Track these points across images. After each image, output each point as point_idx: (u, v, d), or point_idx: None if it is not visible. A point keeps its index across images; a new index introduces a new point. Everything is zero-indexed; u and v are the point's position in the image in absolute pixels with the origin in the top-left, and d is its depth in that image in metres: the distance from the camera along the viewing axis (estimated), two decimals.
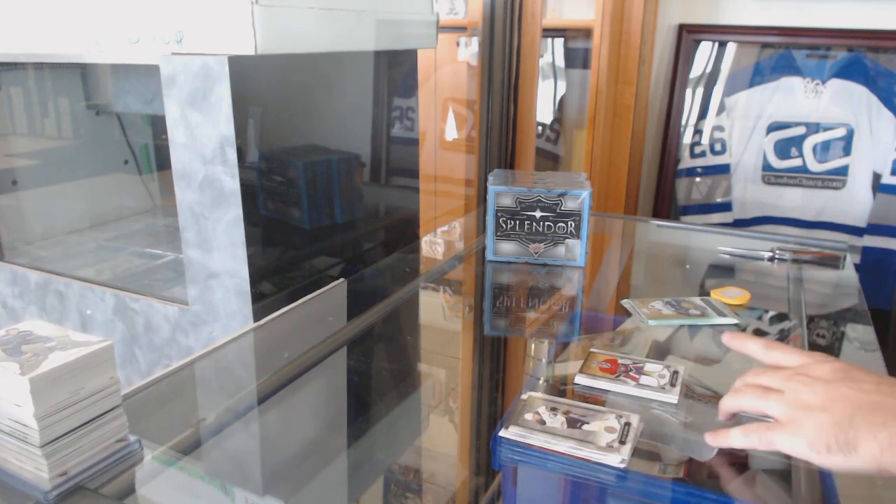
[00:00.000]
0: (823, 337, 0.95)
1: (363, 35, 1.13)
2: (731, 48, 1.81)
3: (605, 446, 0.62)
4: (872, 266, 1.65)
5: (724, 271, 1.26)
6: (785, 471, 0.62)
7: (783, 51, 1.74)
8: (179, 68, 0.95)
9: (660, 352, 0.87)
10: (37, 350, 0.57)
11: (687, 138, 1.87)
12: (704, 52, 1.83)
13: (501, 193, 1.13)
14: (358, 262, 1.26)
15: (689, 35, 1.83)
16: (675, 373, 0.77)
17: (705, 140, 1.84)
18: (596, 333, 0.95)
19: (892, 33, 1.64)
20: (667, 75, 1.88)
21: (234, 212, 0.97)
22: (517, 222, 1.14)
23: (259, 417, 0.76)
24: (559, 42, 1.98)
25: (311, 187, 1.13)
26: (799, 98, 1.73)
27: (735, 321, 0.94)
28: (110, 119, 1.55)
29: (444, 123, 2.03)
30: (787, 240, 1.34)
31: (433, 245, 1.35)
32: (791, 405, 0.57)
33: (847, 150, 1.70)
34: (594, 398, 0.74)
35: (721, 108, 1.82)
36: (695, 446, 0.65)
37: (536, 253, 1.15)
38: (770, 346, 0.66)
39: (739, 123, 1.80)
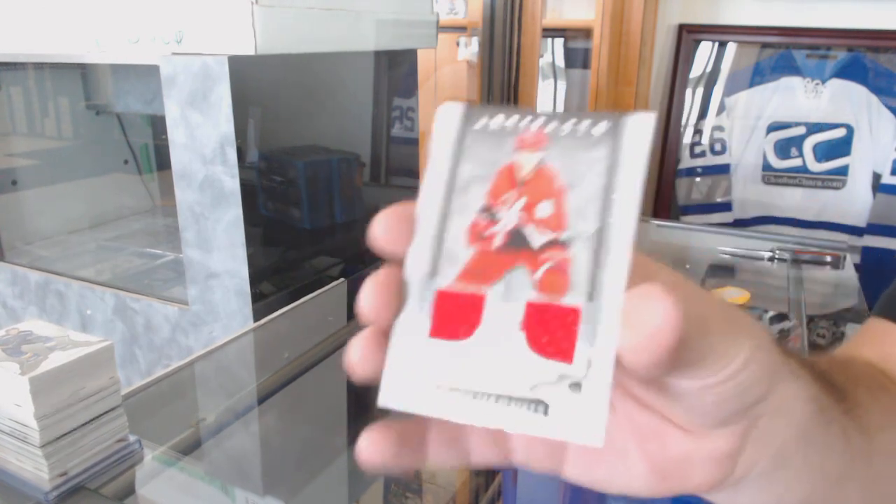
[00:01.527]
0: (823, 337, 0.95)
1: (363, 35, 1.13)
2: (731, 48, 1.81)
3: None
4: (872, 266, 1.65)
5: (724, 271, 1.26)
6: None
7: (783, 51, 1.74)
8: (179, 68, 0.95)
9: None
10: (37, 350, 0.57)
11: (687, 138, 1.87)
12: (704, 52, 1.83)
13: None
14: (358, 262, 1.26)
15: (689, 35, 1.83)
16: None
17: (705, 140, 1.84)
18: None
19: (892, 33, 1.64)
20: (667, 75, 1.88)
21: (234, 212, 0.97)
22: None
23: (259, 417, 0.76)
24: (559, 42, 1.98)
25: (311, 187, 1.13)
26: (799, 98, 1.73)
27: None
28: (110, 119, 1.55)
29: None
30: (787, 240, 1.34)
31: None
32: None
33: (847, 150, 1.70)
34: None
35: (721, 108, 1.82)
36: None
37: None
38: None
39: (739, 123, 1.80)
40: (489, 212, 0.21)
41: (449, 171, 0.22)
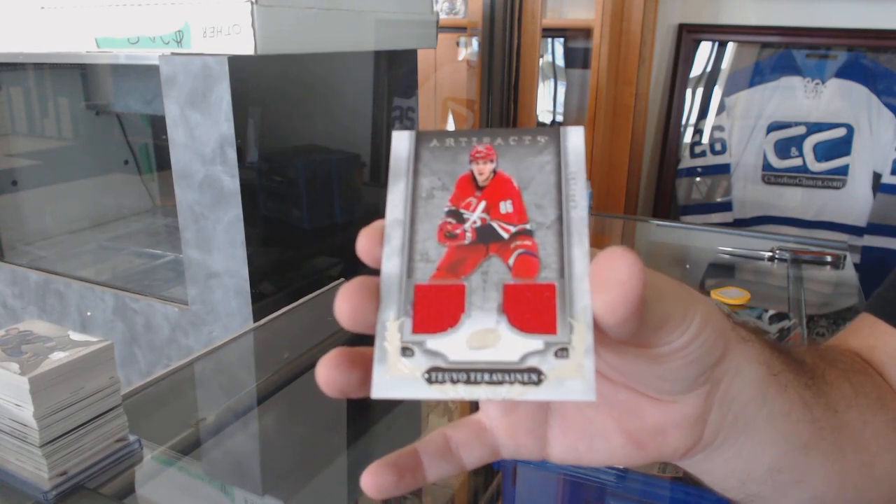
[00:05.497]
0: (823, 336, 0.95)
1: (363, 35, 1.13)
2: (731, 48, 1.81)
3: None
4: (872, 266, 1.65)
5: (724, 271, 1.26)
6: None
7: (783, 51, 1.74)
8: (179, 68, 0.95)
9: None
10: (37, 350, 0.57)
11: (687, 138, 1.87)
12: (704, 52, 1.83)
13: None
14: (358, 262, 1.26)
15: (689, 35, 1.83)
16: None
17: (705, 140, 1.84)
18: None
19: (892, 33, 1.64)
20: (667, 75, 1.88)
21: (233, 212, 0.97)
22: None
23: (259, 417, 0.76)
24: (559, 42, 1.98)
25: (311, 187, 1.13)
26: (799, 98, 1.73)
27: None
28: (110, 119, 1.55)
29: (444, 123, 2.03)
30: (787, 240, 1.34)
31: None
32: None
33: (847, 150, 1.70)
34: None
35: (721, 108, 1.82)
36: None
37: None
38: None
39: (739, 123, 1.80)
40: (455, 214, 0.23)
41: (411, 183, 0.24)
